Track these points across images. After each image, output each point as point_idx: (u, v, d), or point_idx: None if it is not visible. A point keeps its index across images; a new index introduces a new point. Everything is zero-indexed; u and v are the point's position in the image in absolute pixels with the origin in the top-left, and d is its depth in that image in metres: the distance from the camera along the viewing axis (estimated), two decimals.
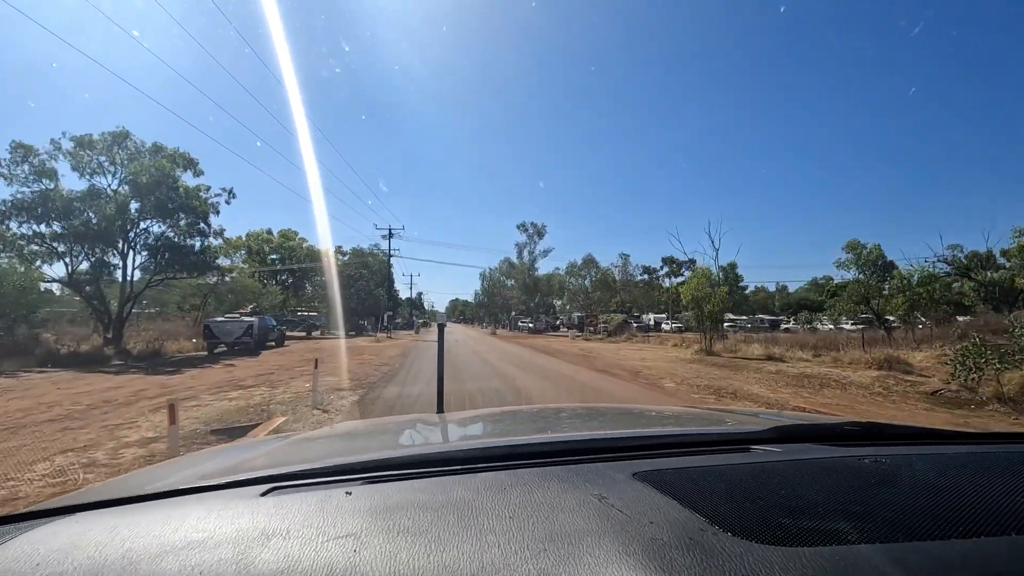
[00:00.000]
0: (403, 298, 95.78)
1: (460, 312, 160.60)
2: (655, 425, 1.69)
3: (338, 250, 71.12)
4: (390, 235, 41.44)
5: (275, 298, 38.44)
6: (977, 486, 0.84)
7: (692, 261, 63.97)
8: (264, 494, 0.84)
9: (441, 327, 4.44)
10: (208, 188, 25.51)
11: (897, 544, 0.63)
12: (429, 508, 0.75)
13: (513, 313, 72.56)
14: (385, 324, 41.09)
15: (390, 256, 41.33)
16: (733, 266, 36.39)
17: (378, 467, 0.97)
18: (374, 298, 62.63)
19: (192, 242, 23.36)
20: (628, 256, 52.38)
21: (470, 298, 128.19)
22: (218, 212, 24.38)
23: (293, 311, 67.79)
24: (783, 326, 62.48)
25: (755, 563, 0.57)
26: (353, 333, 47.63)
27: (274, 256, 44.53)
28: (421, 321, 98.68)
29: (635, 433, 1.31)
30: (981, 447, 1.19)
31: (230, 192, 26.55)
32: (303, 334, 47.03)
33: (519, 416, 2.11)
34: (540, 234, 54.95)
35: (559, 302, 68.14)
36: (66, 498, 0.95)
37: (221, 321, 22.27)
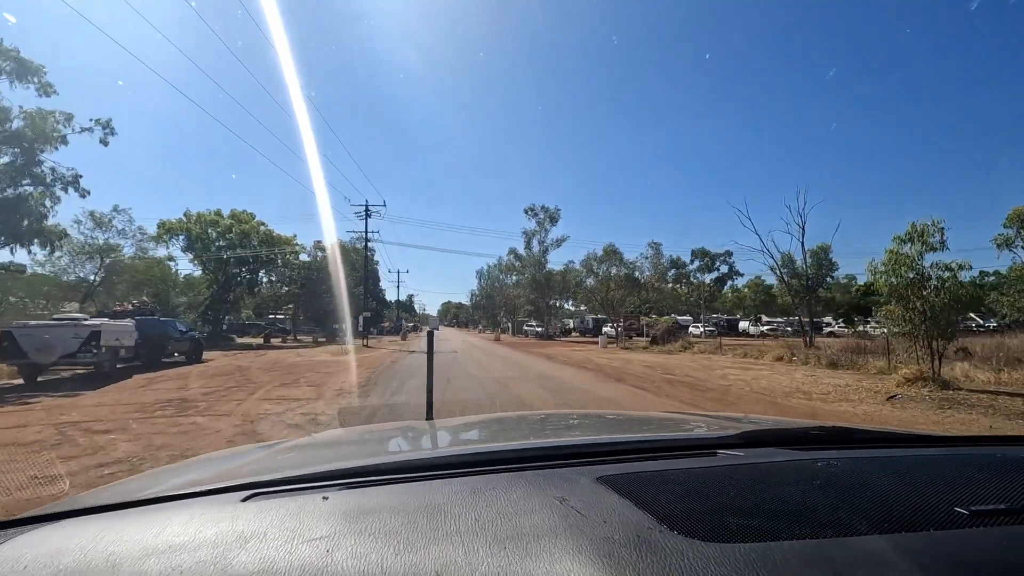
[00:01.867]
0: (391, 300, 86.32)
1: (453, 315, 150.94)
2: (634, 431, 1.76)
3: (317, 245, 61.84)
4: (367, 214, 32.17)
5: (201, 293, 28.96)
6: (912, 486, 0.90)
7: (728, 253, 55.43)
8: (245, 500, 0.86)
9: (431, 333, 4.30)
10: (69, 117, 16.14)
11: (825, 540, 0.67)
12: (402, 512, 0.77)
13: (517, 316, 63.16)
14: (362, 328, 31.71)
15: (367, 241, 32.08)
16: (824, 249, 27.22)
17: (357, 474, 0.99)
18: (354, 297, 53.28)
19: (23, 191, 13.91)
20: (659, 245, 43.45)
21: (464, 300, 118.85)
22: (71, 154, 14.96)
23: (249, 312, 58.34)
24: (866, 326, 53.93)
25: (694, 558, 0.62)
26: (324, 340, 38.20)
27: (222, 243, 35.08)
28: (411, 325, 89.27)
29: (602, 439, 1.38)
30: (934, 449, 1.28)
31: (106, 126, 17.04)
32: (260, 341, 37.68)
33: (504, 423, 2.17)
34: (553, 219, 45.85)
35: (568, 304, 58.87)
36: (54, 505, 0.95)
37: (34, 327, 12.64)
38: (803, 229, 26.46)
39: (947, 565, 0.63)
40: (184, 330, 19.23)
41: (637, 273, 44.42)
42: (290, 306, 46.80)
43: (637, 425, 1.93)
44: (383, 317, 77.25)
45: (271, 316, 57.18)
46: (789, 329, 54.52)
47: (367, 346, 31.16)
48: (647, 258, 43.57)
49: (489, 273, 76.95)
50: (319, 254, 47.87)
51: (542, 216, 45.53)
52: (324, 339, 38.45)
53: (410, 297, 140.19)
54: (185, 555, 0.68)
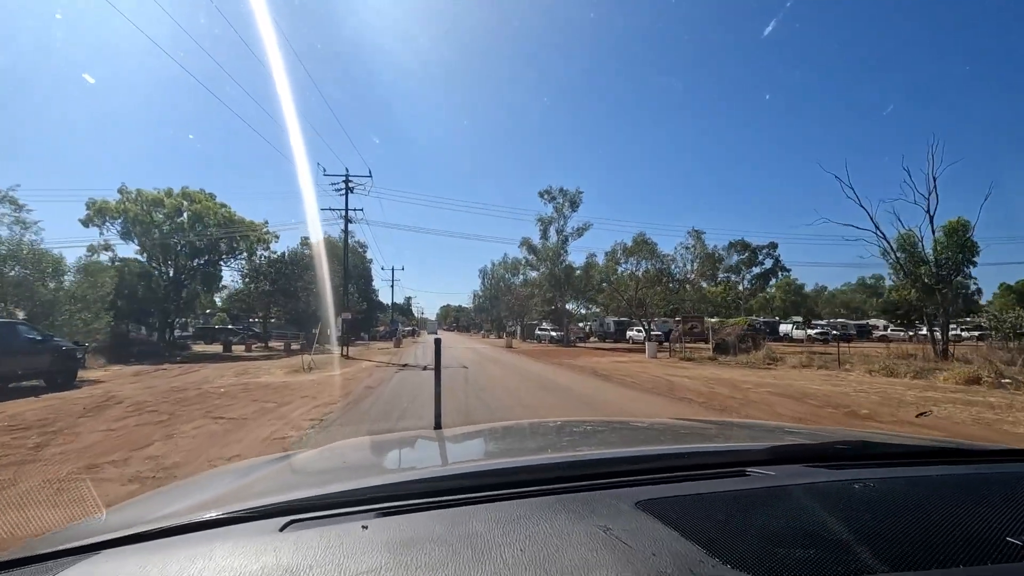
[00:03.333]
0: (386, 303, 79.24)
1: (453, 318, 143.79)
2: (651, 442, 1.73)
3: (304, 241, 54.64)
4: (347, 187, 25.15)
5: (105, 285, 21.97)
6: (956, 511, 0.87)
7: (773, 245, 48.74)
8: (283, 528, 0.87)
9: (438, 340, 4.19)
10: None
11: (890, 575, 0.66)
12: (445, 542, 0.77)
13: (527, 319, 56.05)
14: (342, 333, 24.72)
15: (347, 220, 24.94)
16: (963, 226, 20.14)
17: (388, 494, 0.99)
18: (339, 296, 46.22)
19: None
20: (702, 234, 36.53)
21: (465, 302, 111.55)
22: None
23: (223, 315, 51.07)
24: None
25: None
26: (297, 347, 31.15)
27: (169, 227, 28.04)
28: (408, 329, 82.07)
29: (633, 453, 1.37)
30: (969, 467, 1.22)
31: None
32: (219, 348, 30.63)
33: (519, 432, 2.14)
34: (574, 204, 38.80)
35: (580, 307, 51.80)
36: (90, 533, 0.94)
37: None
38: (933, 197, 19.56)
39: None
40: (39, 338, 12.18)
41: (675, 267, 37.54)
42: (274, 308, 39.84)
43: (659, 435, 1.89)
44: (377, 320, 70.17)
45: (251, 319, 50.30)
46: (836, 332, 47.93)
47: (348, 357, 24.13)
48: (688, 248, 36.69)
49: (494, 272, 70.00)
50: (301, 249, 40.99)
51: (560, 200, 38.58)
52: (299, 346, 31.40)
53: (408, 299, 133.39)
54: None
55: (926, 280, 20.25)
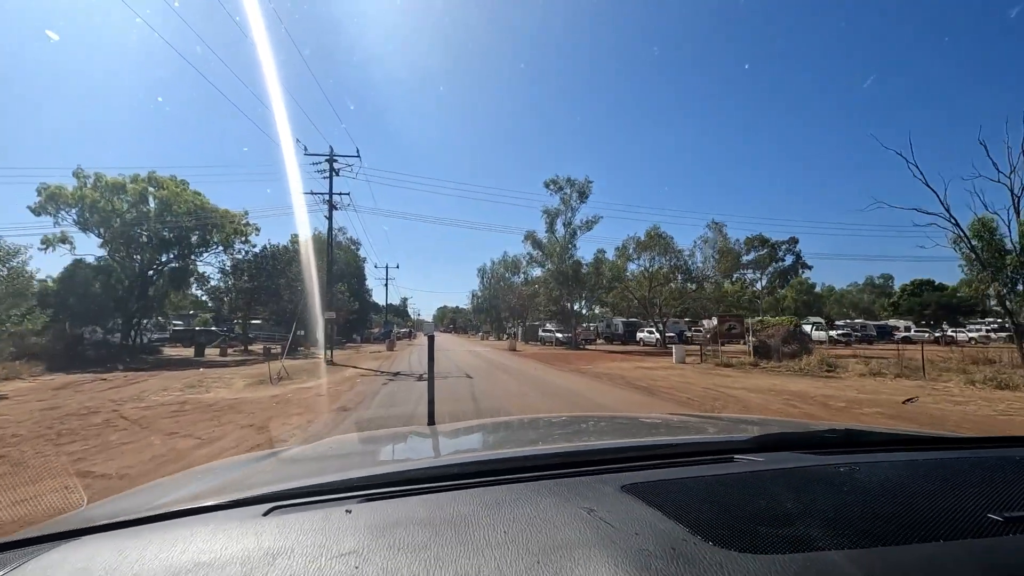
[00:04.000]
0: (382, 304, 76.07)
1: (450, 320, 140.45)
2: (643, 434, 1.75)
3: (293, 239, 51.33)
4: (332, 169, 21.88)
5: (22, 282, 18.96)
6: (940, 491, 0.89)
7: (794, 240, 45.95)
8: (266, 513, 0.85)
9: (431, 338, 4.30)
10: None
11: (863, 550, 0.66)
12: (427, 525, 0.76)
13: (530, 319, 52.92)
14: (325, 335, 21.58)
15: (331, 204, 21.65)
16: None
17: (375, 484, 0.98)
18: (335, 298, 43.06)
19: None
20: (723, 227, 33.63)
21: (463, 303, 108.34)
22: None
23: (206, 317, 47.72)
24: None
25: (734, 571, 0.60)
26: (277, 350, 27.98)
27: (131, 217, 24.80)
28: (404, 330, 78.79)
29: (621, 444, 1.36)
30: (953, 452, 1.25)
31: None
32: (189, 352, 27.44)
33: (511, 427, 2.15)
34: (582, 194, 35.66)
35: (585, 306, 48.69)
36: (71, 520, 0.93)
37: None
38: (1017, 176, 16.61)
39: (989, 573, 0.62)
40: None
41: (693, 263, 34.57)
42: (257, 307, 36.63)
43: (651, 429, 1.92)
44: (370, 322, 66.95)
45: (235, 320, 47.03)
46: (857, 334, 45.14)
47: (332, 363, 20.99)
48: (707, 241, 33.71)
49: (493, 271, 66.94)
50: (292, 246, 37.67)
51: (568, 190, 35.44)
52: (280, 349, 28.23)
53: (404, 300, 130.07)
54: (212, 573, 0.67)
55: (1011, 271, 17.25)
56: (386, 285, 60.20)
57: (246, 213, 30.69)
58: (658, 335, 39.25)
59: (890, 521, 0.75)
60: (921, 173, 17.81)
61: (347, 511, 0.83)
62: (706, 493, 0.89)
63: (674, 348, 21.62)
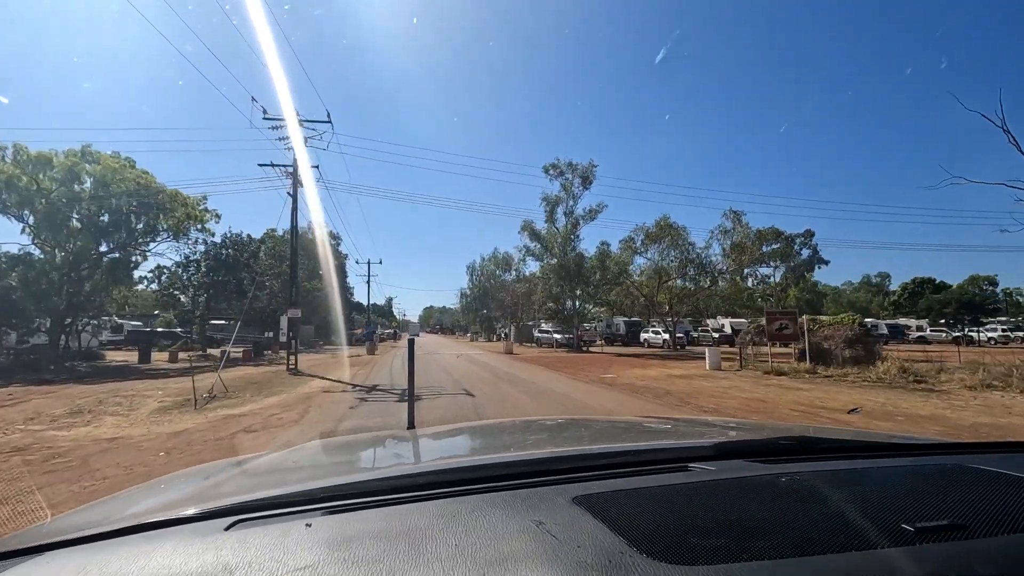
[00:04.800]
0: (367, 304, 71.88)
1: (436, 321, 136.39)
2: (615, 440, 1.75)
3: (270, 234, 47.05)
4: (298, 131, 17.94)
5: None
6: (866, 500, 0.92)
7: (810, 233, 42.97)
8: (229, 527, 0.86)
9: (411, 340, 4.34)
10: None
11: (783, 560, 0.68)
12: (384, 538, 0.78)
13: (524, 319, 49.31)
14: (284, 337, 17.78)
15: (296, 179, 17.75)
16: None
17: (337, 495, 0.98)
18: (311, 296, 39.14)
19: None
20: (742, 215, 30.36)
21: (450, 303, 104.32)
22: None
23: (169, 317, 43.23)
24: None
25: None
26: (241, 354, 24.04)
27: (59, 196, 20.74)
28: (388, 331, 74.70)
29: (575, 452, 1.40)
30: (896, 460, 1.28)
31: None
32: (123, 358, 23.45)
33: (486, 431, 2.23)
34: (586, 180, 31.94)
35: (585, 304, 45.09)
36: (32, 535, 0.93)
37: None
38: None
39: None
40: None
41: (708, 255, 31.31)
42: (221, 304, 32.66)
43: (618, 433, 1.93)
44: (353, 322, 62.90)
45: (212, 321, 42.77)
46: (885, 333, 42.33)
47: (296, 371, 17.22)
48: (726, 233, 30.42)
49: (483, 268, 63.25)
50: (270, 243, 33.52)
51: (569, 176, 31.93)
52: (241, 353, 24.32)
53: (389, 300, 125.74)
54: None
55: None
56: (368, 282, 55.97)
57: (204, 198, 26.74)
58: (666, 336, 36.05)
59: (812, 531, 0.78)
60: (1013, 138, 14.62)
61: (307, 525, 0.84)
62: (653, 504, 0.91)
63: (708, 351, 18.19)
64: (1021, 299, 69.37)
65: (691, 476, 1.09)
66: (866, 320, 49.49)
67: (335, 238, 58.47)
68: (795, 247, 38.29)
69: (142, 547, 0.80)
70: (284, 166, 17.91)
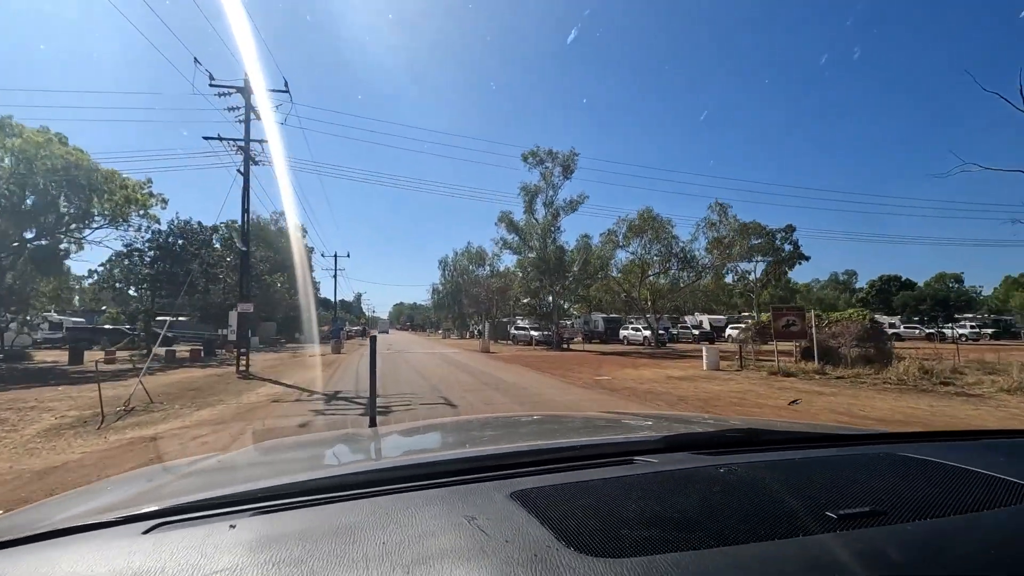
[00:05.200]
0: (342, 301, 68.85)
1: (406, 318, 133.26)
2: (567, 435, 1.76)
3: (231, 225, 43.71)
4: (247, 99, 15.69)
5: None
6: (797, 489, 0.92)
7: (790, 228, 42.29)
8: (148, 531, 0.82)
9: (373, 339, 4.42)
10: None
11: (708, 550, 0.68)
12: (310, 538, 0.76)
13: (498, 315, 47.54)
14: (231, 335, 15.62)
15: (248, 155, 15.58)
16: None
17: (268, 496, 0.93)
18: (272, 290, 36.48)
19: None
20: (727, 207, 29.27)
21: (421, 299, 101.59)
22: None
23: (113, 311, 39.86)
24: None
25: (582, 575, 0.63)
26: (186, 354, 21.56)
27: None
28: (357, 328, 71.92)
29: (512, 449, 1.35)
30: (830, 450, 1.27)
31: None
32: (48, 360, 20.76)
33: (448, 428, 2.17)
34: (567, 169, 30.49)
35: (573, 298, 43.53)
36: None
37: None
38: None
39: (811, 570, 0.65)
40: None
41: (699, 247, 30.16)
42: (168, 300, 29.78)
43: (574, 429, 1.93)
44: (319, 320, 60.04)
45: (164, 318, 39.57)
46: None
47: (247, 374, 15.08)
48: (713, 225, 29.26)
49: (456, 262, 61.16)
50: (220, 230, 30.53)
51: (550, 164, 30.26)
52: (189, 353, 21.86)
53: (358, 296, 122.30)
54: None
55: None
56: (335, 276, 53.41)
57: (149, 181, 24.11)
58: (646, 333, 34.84)
59: (739, 521, 0.77)
60: None
61: (231, 526, 0.81)
62: (589, 497, 0.90)
63: (705, 350, 16.82)
64: (977, 296, 71.08)
65: (634, 469, 1.07)
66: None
67: (300, 229, 55.80)
68: (775, 242, 37.51)
69: (49, 554, 0.76)
70: (234, 140, 15.63)
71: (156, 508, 0.91)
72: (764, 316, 17.98)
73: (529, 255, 31.08)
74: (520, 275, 33.39)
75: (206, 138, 15.59)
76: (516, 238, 31.82)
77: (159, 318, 40.54)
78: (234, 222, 45.71)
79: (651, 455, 1.15)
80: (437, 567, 0.66)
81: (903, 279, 78.21)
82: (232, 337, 15.93)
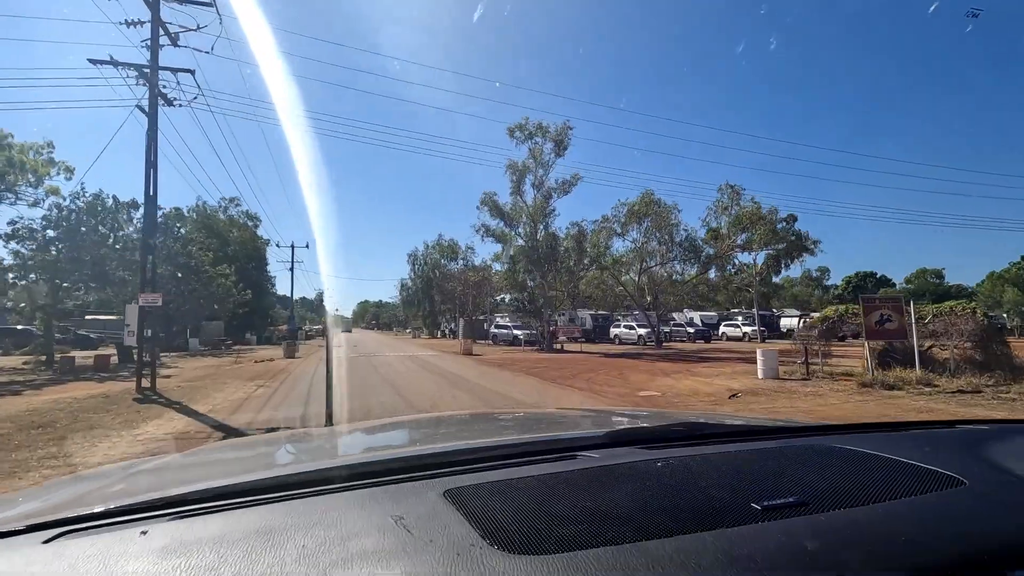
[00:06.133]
0: (301, 299, 63.39)
1: (372, 316, 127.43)
2: (517, 431, 1.77)
3: (175, 214, 38.10)
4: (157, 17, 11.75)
5: None
6: (725, 482, 0.93)
7: (792, 218, 39.90)
8: (49, 540, 0.77)
9: (328, 339, 3.98)
10: None
11: (627, 545, 0.68)
12: (225, 543, 0.73)
13: (474, 313, 43.48)
14: (127, 338, 11.30)
15: (155, 89, 11.53)
16: None
17: (188, 500, 0.90)
18: (216, 284, 31.42)
19: None
20: (739, 189, 26.25)
21: (387, 297, 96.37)
22: None
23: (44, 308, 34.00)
24: None
25: (502, 572, 0.62)
26: (86, 359, 16.87)
27: None
28: (317, 327, 66.62)
29: (443, 449, 1.32)
30: (766, 443, 1.27)
31: None
32: None
33: (402, 426, 2.13)
34: (559, 145, 26.70)
35: (567, 292, 39.68)
36: None
37: None
38: None
39: (729, 561, 0.65)
40: None
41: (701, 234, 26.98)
42: (72, 291, 24.62)
43: (524, 425, 1.89)
44: (273, 318, 54.75)
45: (92, 316, 33.94)
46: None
47: (155, 393, 10.77)
48: (725, 209, 26.14)
49: (427, 256, 56.86)
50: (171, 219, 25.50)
51: (540, 140, 26.48)
52: (93, 360, 17.12)
53: (320, 294, 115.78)
54: None
55: None
56: (291, 269, 48.22)
57: (49, 144, 19.24)
58: (642, 331, 31.55)
59: (665, 514, 0.77)
60: None
61: (142, 532, 0.77)
62: (523, 493, 0.88)
63: (760, 356, 13.35)
64: (966, 292, 71.10)
65: (575, 464, 1.06)
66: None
67: (253, 219, 50.40)
68: (779, 230, 34.89)
69: None
70: (133, 65, 11.17)
71: (62, 516, 0.85)
72: (829, 310, 14.65)
73: (517, 243, 27.21)
74: (500, 269, 29.36)
75: (92, 60, 11.04)
76: (501, 224, 27.90)
77: (88, 317, 35.22)
78: (178, 209, 40.48)
79: (593, 451, 1.14)
80: (356, 569, 0.64)
81: (879, 275, 78.15)
82: (130, 340, 11.50)
